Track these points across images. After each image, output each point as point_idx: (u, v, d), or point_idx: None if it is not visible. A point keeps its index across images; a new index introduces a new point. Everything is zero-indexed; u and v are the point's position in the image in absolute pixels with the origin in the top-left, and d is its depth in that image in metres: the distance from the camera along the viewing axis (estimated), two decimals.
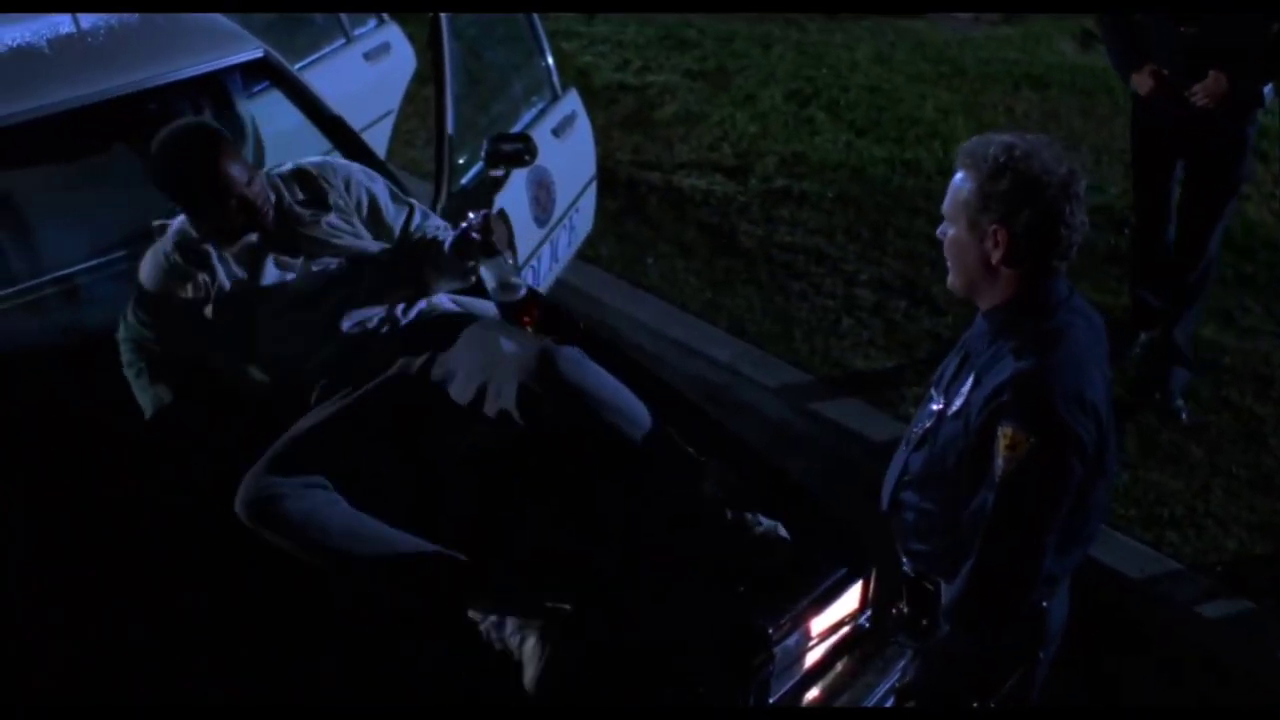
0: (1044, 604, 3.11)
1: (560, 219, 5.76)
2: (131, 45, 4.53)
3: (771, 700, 3.55)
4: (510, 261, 3.82)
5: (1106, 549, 5.02)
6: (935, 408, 3.13)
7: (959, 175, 2.91)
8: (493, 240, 3.74)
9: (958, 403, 3.01)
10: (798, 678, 3.65)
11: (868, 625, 3.80)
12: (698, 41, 10.07)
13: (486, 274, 3.78)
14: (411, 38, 7.48)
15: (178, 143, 3.68)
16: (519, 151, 5.02)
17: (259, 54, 4.73)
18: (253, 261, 3.81)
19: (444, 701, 3.17)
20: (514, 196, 5.28)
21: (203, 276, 3.79)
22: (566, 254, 6.03)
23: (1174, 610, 4.97)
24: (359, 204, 3.98)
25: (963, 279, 2.99)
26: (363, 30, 7.00)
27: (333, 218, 3.91)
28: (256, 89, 5.23)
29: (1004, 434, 2.81)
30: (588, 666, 3.27)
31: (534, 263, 5.48)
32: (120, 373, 3.91)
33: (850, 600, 3.70)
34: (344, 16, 6.83)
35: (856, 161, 8.21)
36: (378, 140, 6.51)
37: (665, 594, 3.43)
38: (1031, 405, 2.80)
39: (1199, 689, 4.64)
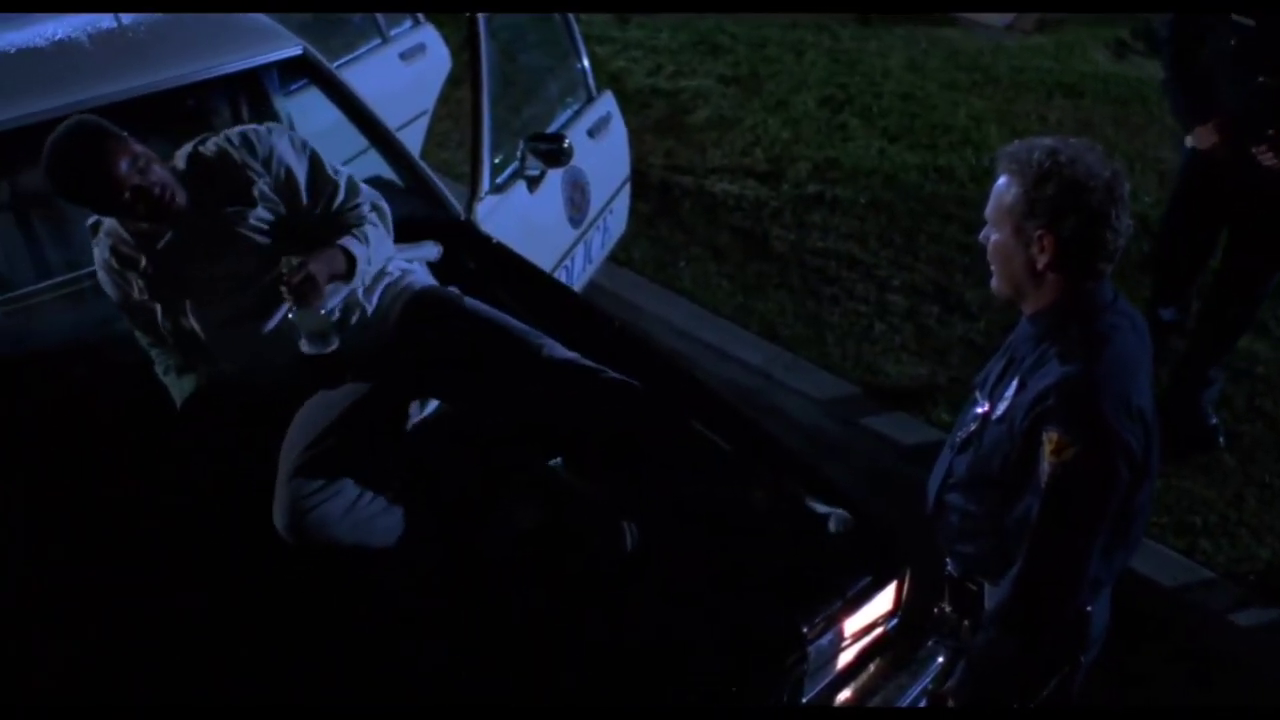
0: (1088, 608, 3.10)
1: (594, 220, 5.77)
2: (171, 41, 4.51)
3: (804, 700, 3.55)
4: (324, 311, 3.59)
5: (1139, 556, 4.98)
6: (979, 411, 3.12)
7: (1002, 180, 2.90)
8: (303, 289, 3.51)
9: (1002, 407, 3.01)
10: (831, 677, 3.65)
11: (901, 626, 3.80)
12: (730, 47, 10.07)
13: (295, 320, 3.57)
14: (446, 39, 7.50)
15: (58, 146, 3.44)
16: (555, 151, 5.05)
17: (298, 51, 4.72)
18: (181, 263, 3.65)
19: (444, 702, 3.16)
20: (549, 196, 5.30)
21: (139, 282, 3.68)
22: (600, 255, 6.04)
23: (1206, 618, 4.95)
24: (278, 179, 3.75)
25: (1007, 284, 2.98)
26: (399, 30, 7.03)
27: (260, 211, 3.69)
28: (294, 87, 5.25)
29: (1049, 439, 2.80)
30: (621, 664, 3.28)
31: (567, 263, 5.49)
32: (137, 369, 3.89)
33: (884, 601, 3.69)
34: (380, 17, 6.87)
35: (889, 168, 8.20)
36: (412, 140, 6.52)
37: (700, 592, 3.43)
38: (1077, 411, 2.80)
39: (1231, 696, 4.61)
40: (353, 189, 3.83)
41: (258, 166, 3.71)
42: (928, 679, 3.75)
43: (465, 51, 5.00)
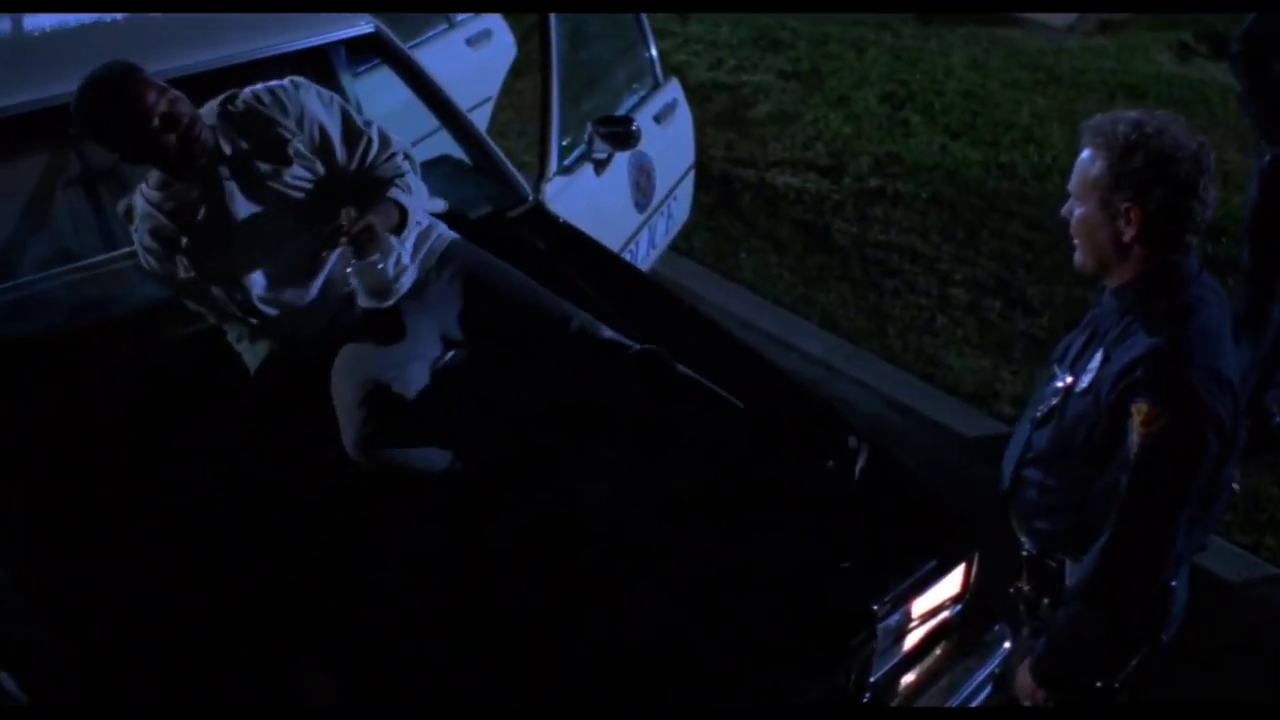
0: (1173, 583, 3.08)
1: (659, 205, 5.76)
2: (241, 16, 4.52)
3: (872, 679, 3.54)
4: (381, 265, 3.57)
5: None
6: (1060, 385, 3.10)
7: (1086, 154, 2.89)
8: (363, 239, 3.52)
9: (1086, 379, 2.99)
10: (898, 659, 3.64)
11: (967, 611, 3.79)
12: (791, 43, 10.05)
13: (354, 275, 3.57)
14: (512, 27, 7.52)
15: (86, 85, 3.47)
16: (623, 134, 5.05)
17: (370, 29, 4.73)
18: (221, 229, 3.63)
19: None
20: (615, 180, 5.30)
21: (184, 260, 3.63)
22: (663, 241, 6.04)
23: (1272, 614, 4.92)
24: (312, 139, 3.71)
25: (1092, 257, 2.96)
26: (465, 16, 7.04)
27: (296, 169, 3.67)
28: (361, 69, 5.25)
29: (1138, 410, 2.79)
30: (689, 639, 3.27)
31: (631, 248, 5.48)
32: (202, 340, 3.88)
33: (952, 584, 3.68)
34: None
35: (951, 164, 8.17)
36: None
37: (769, 567, 3.43)
38: (1166, 381, 2.78)
39: None
40: (385, 140, 3.81)
41: (291, 125, 3.67)
42: (995, 663, 3.74)
43: (530, 39, 5.03)
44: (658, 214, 5.78)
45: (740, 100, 9.14)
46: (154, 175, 3.64)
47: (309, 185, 3.68)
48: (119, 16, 4.38)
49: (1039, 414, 3.18)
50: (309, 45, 4.61)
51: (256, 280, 3.64)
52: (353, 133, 3.76)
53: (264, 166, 3.64)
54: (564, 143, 5.04)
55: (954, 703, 3.70)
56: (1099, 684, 3.16)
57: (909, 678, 3.68)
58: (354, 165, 3.75)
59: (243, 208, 3.62)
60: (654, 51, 6.06)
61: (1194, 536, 3.03)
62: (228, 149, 3.61)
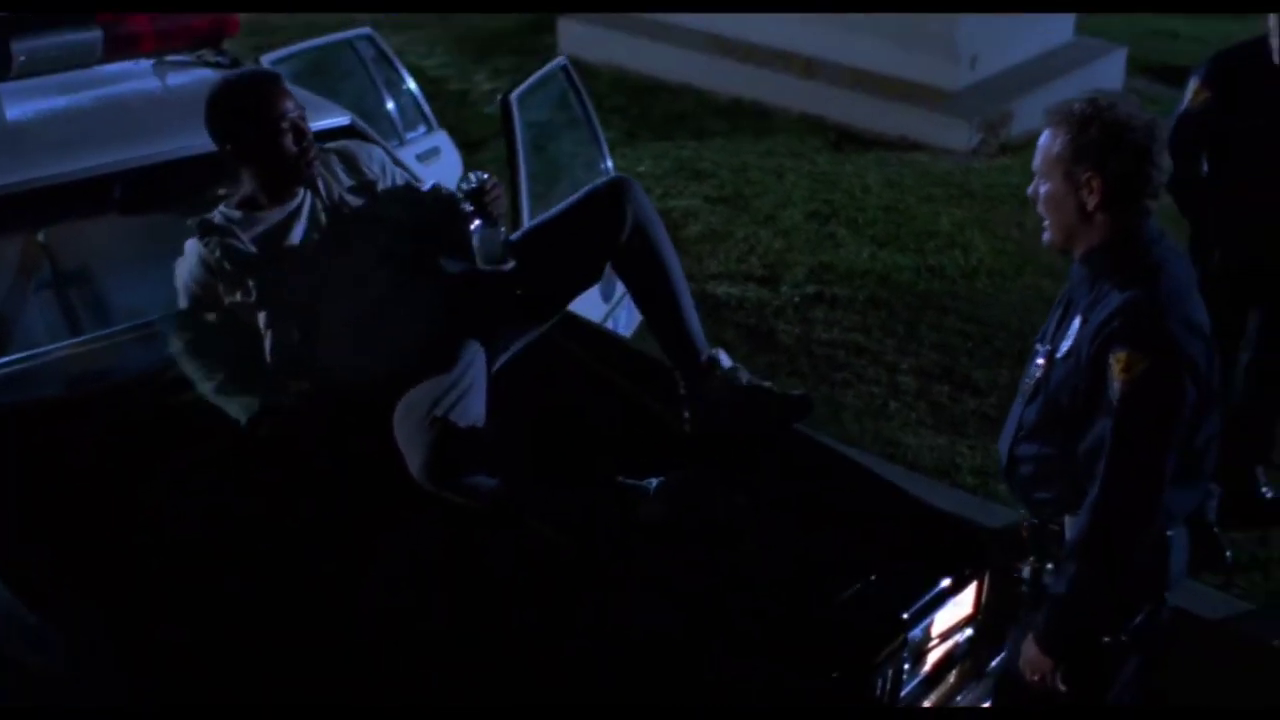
0: (1169, 533, 3.20)
1: (620, 297, 5.90)
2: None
3: (902, 694, 3.58)
4: (503, 230, 3.85)
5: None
6: (1041, 359, 3.29)
7: (1046, 134, 3.14)
8: (489, 205, 3.80)
9: (1066, 344, 3.19)
10: (919, 679, 3.69)
11: (979, 634, 3.86)
12: (713, 172, 10.27)
13: (477, 241, 3.80)
14: (456, 145, 7.73)
15: (231, 78, 3.79)
16: None
17: (345, 121, 4.83)
18: (305, 258, 3.75)
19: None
20: None
21: (250, 281, 3.70)
22: (627, 332, 6.16)
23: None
24: (394, 183, 4.00)
25: (1060, 231, 3.20)
26: (414, 135, 7.26)
27: (384, 205, 3.89)
28: None
29: (1117, 359, 2.98)
30: (716, 639, 3.33)
31: None
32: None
33: (965, 603, 3.76)
34: (398, 121, 7.12)
35: (882, 269, 8.38)
36: None
37: (800, 576, 3.52)
38: (1142, 327, 2.99)
39: None
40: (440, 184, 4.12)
41: (375, 168, 3.95)
42: None
43: (504, 132, 5.22)
44: (620, 306, 5.91)
45: (671, 223, 9.26)
46: (236, 198, 3.80)
47: (395, 221, 3.87)
48: (90, 105, 4.53)
49: (1027, 389, 3.36)
50: None
51: (328, 307, 3.75)
52: (416, 187, 4.08)
53: (355, 201, 3.84)
54: None
55: None
56: (1106, 639, 3.25)
57: (935, 692, 3.74)
58: (433, 204, 4.01)
59: (331, 237, 3.78)
60: (609, 162, 6.26)
61: (1185, 494, 3.17)
62: (321, 184, 3.81)
